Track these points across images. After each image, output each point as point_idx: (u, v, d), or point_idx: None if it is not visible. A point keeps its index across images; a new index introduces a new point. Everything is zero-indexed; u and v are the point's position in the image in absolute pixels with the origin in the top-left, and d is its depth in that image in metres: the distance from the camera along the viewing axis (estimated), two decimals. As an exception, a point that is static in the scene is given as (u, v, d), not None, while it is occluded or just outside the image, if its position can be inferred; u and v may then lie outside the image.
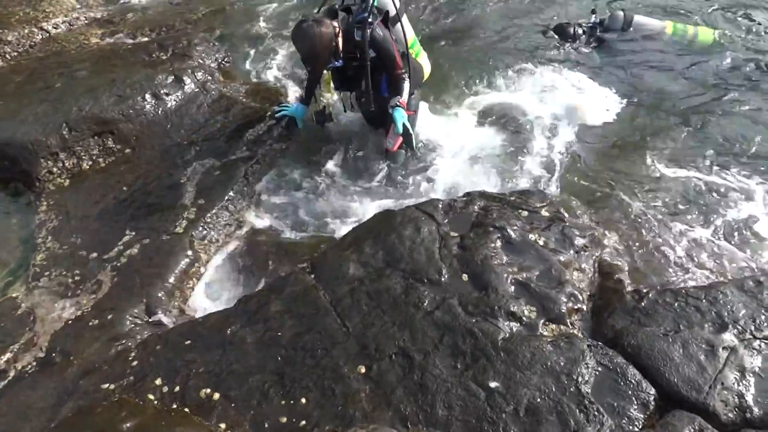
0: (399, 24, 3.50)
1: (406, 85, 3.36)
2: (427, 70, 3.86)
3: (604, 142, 3.93)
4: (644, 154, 3.76)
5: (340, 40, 3.18)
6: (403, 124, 3.34)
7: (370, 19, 3.18)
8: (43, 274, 3.14)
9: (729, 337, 2.27)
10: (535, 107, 4.26)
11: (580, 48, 4.99)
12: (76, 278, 3.09)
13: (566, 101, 4.28)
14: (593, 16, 5.18)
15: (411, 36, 3.64)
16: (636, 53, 4.86)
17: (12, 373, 2.65)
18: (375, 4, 3.28)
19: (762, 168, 3.58)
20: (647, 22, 4.97)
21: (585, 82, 4.53)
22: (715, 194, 3.43)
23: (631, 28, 4.94)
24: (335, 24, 3.15)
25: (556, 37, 5.15)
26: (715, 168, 3.62)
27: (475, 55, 4.91)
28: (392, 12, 3.47)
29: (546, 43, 5.09)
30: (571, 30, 5.08)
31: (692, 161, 3.69)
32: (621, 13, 5.02)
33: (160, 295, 2.92)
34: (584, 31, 5.08)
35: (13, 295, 3.09)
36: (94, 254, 3.21)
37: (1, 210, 3.63)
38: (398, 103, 3.34)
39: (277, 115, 3.84)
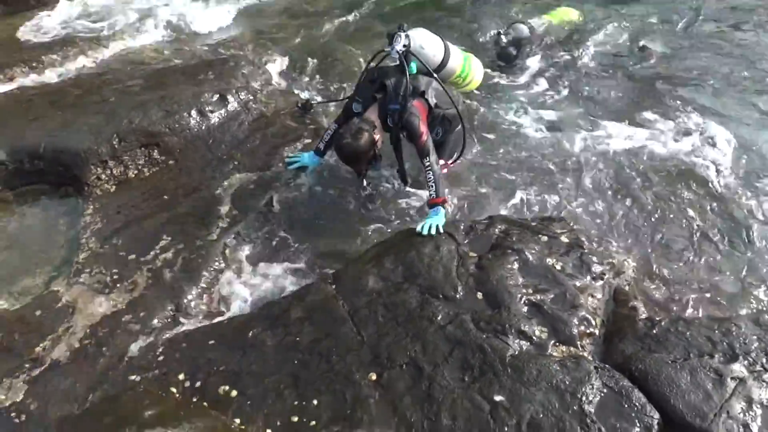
0: (443, 71, 3.58)
1: (432, 173, 3.15)
2: (478, 77, 3.90)
3: (626, 170, 3.95)
4: (667, 182, 3.79)
5: (379, 143, 3.30)
6: (430, 227, 3.01)
7: (400, 108, 3.24)
8: (84, 271, 3.34)
9: (739, 368, 2.28)
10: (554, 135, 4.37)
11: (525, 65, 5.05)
12: (114, 277, 3.28)
13: (586, 130, 4.35)
14: (504, 36, 5.12)
15: (457, 64, 3.66)
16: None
17: (48, 361, 2.82)
18: (413, 70, 3.30)
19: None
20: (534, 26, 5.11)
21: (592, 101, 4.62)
22: (739, 226, 3.42)
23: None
24: (373, 125, 3.23)
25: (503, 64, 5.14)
26: (738, 197, 3.62)
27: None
28: (436, 61, 3.50)
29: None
30: (513, 51, 5.06)
31: (713, 189, 3.69)
32: (520, 25, 5.08)
33: (189, 297, 3.08)
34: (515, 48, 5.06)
35: (56, 289, 3.29)
36: (132, 256, 3.40)
37: (51, 211, 3.88)
38: (433, 201, 3.14)
39: (289, 167, 3.86)
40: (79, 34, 5.97)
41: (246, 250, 3.40)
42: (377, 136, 3.24)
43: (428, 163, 3.19)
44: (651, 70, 5.18)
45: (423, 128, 3.24)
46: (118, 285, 3.21)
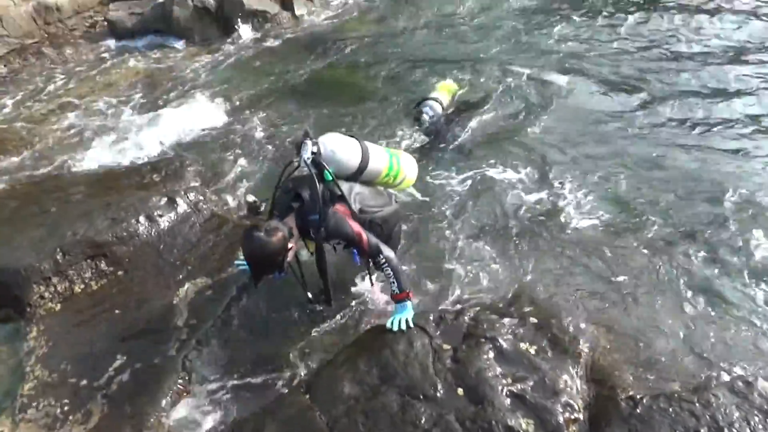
0: (365, 173, 3.30)
1: (391, 268, 2.95)
2: (411, 174, 3.63)
3: (584, 235, 4.06)
4: (628, 243, 3.92)
5: (291, 252, 2.93)
6: (399, 321, 2.90)
7: (319, 218, 2.91)
8: (30, 404, 3.08)
9: (726, 442, 2.28)
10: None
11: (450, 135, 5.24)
12: (65, 408, 3.04)
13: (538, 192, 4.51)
14: (426, 115, 5.23)
15: (381, 164, 3.37)
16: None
17: None
18: (328, 177, 3.02)
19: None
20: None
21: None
22: (701, 289, 3.53)
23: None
24: (290, 231, 2.89)
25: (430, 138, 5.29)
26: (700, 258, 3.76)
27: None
28: (352, 165, 3.21)
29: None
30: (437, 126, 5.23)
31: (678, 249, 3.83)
32: (433, 102, 5.23)
33: (150, 424, 2.87)
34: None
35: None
36: (84, 382, 3.17)
37: (-11, 338, 3.60)
38: (398, 297, 2.96)
39: (240, 267, 3.69)
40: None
41: (208, 364, 3.23)
42: (290, 244, 2.88)
43: (383, 260, 2.94)
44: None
45: (355, 227, 2.97)
46: (70, 417, 2.98)
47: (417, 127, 5.33)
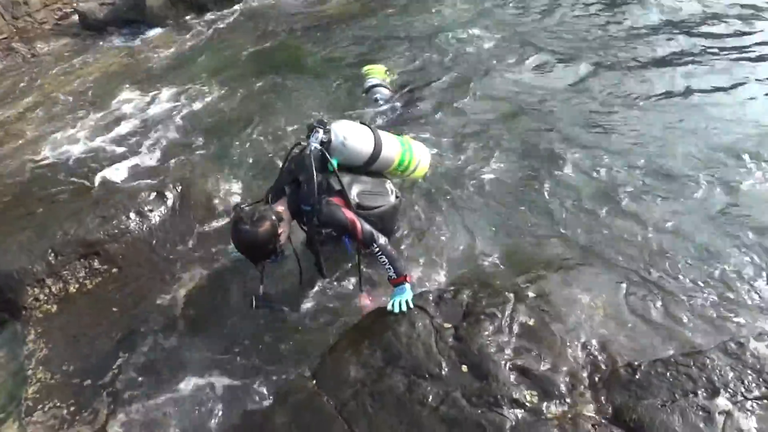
0: (377, 163, 3.25)
1: (385, 256, 2.96)
2: (424, 161, 3.56)
3: (581, 203, 4.10)
4: (617, 213, 3.97)
5: (283, 236, 2.91)
6: (401, 303, 2.90)
7: (311, 209, 2.92)
8: (36, 408, 3.09)
9: (723, 402, 2.36)
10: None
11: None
12: (71, 409, 3.06)
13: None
14: (380, 98, 5.42)
15: (393, 153, 3.31)
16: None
17: None
18: (333, 167, 2.99)
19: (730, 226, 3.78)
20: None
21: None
22: (691, 253, 3.61)
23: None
24: (277, 216, 2.83)
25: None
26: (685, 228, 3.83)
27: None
28: (364, 154, 3.16)
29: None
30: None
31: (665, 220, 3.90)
32: (379, 87, 5.41)
33: (160, 418, 2.89)
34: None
35: (5, 432, 3.02)
36: (88, 381, 3.19)
37: (-14, 344, 3.57)
38: (396, 281, 2.97)
39: (232, 255, 3.72)
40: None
41: (210, 354, 3.24)
42: (281, 230, 2.85)
43: (377, 249, 2.95)
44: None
45: (349, 215, 2.94)
46: (77, 417, 2.99)
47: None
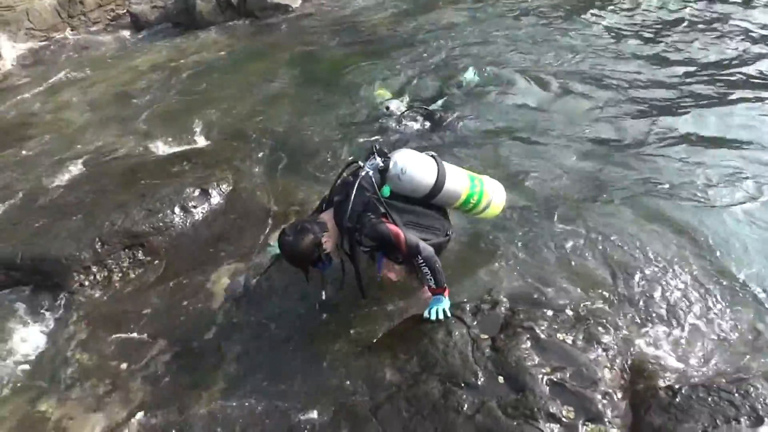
0: (439, 196, 3.13)
1: (429, 268, 2.93)
2: (498, 200, 3.36)
3: (624, 227, 4.02)
4: (662, 241, 3.88)
5: (329, 245, 2.96)
6: (437, 311, 2.95)
7: (352, 228, 2.94)
8: (74, 386, 3.18)
9: (766, 431, 2.32)
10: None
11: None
12: (108, 389, 3.12)
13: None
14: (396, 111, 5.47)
15: (460, 187, 3.16)
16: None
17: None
18: (385, 193, 2.99)
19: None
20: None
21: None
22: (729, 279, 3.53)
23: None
24: (324, 227, 2.94)
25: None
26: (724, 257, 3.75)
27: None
28: (424, 187, 3.05)
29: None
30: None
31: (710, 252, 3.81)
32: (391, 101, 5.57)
33: (193, 406, 2.94)
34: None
35: (43, 408, 3.11)
36: (125, 365, 3.26)
37: (31, 324, 3.68)
38: (435, 291, 3.00)
39: (270, 251, 3.85)
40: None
41: (246, 349, 3.28)
42: (325, 239, 2.92)
43: (421, 261, 2.92)
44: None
45: (392, 228, 2.91)
46: (112, 397, 3.06)
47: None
